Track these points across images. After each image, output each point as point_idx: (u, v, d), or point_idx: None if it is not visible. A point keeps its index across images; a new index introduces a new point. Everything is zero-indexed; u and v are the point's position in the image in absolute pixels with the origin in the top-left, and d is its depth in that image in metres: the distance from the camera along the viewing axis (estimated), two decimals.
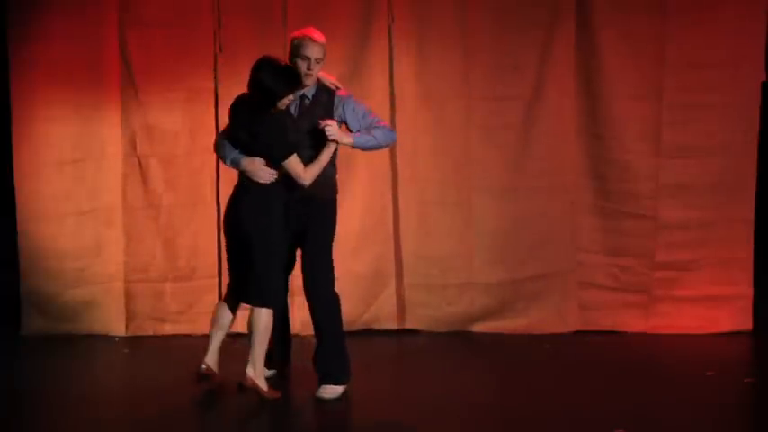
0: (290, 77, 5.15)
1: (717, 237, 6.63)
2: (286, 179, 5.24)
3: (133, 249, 6.86)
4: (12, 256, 6.96)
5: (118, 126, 6.82)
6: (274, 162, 5.20)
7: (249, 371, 5.27)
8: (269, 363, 5.79)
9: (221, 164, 5.91)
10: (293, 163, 5.18)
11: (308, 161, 5.24)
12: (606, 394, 5.40)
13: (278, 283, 5.32)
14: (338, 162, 5.51)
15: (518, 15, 6.62)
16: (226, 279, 6.77)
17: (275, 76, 5.11)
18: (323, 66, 5.35)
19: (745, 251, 6.63)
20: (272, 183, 5.21)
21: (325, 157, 5.25)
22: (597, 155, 6.70)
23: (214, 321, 5.52)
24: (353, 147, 5.36)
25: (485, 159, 6.73)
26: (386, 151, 6.74)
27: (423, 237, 6.81)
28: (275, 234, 5.25)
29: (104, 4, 6.73)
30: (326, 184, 5.39)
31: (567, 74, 6.61)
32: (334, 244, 5.47)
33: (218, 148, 5.44)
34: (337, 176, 5.53)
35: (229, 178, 5.84)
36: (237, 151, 5.27)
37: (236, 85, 6.49)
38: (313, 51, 5.24)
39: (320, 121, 5.24)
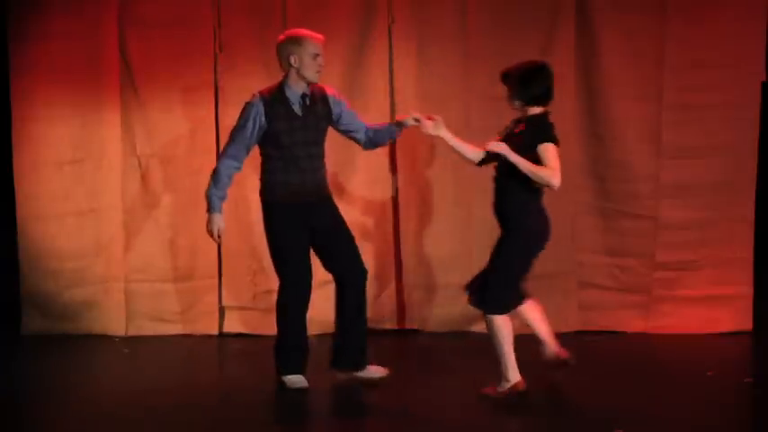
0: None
1: (717, 237, 6.63)
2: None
3: (133, 249, 6.86)
4: (12, 256, 6.96)
5: (118, 126, 6.82)
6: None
7: (503, 385, 5.20)
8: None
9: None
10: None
11: (313, 157, 5.34)
12: (606, 394, 5.39)
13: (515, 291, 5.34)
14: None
15: (518, 15, 6.61)
16: (226, 279, 6.82)
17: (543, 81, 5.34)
18: None
19: (745, 251, 6.63)
20: None
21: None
22: (597, 155, 6.69)
23: (531, 320, 5.53)
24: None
25: None
26: (386, 151, 6.76)
27: (423, 237, 6.81)
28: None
29: (104, 3, 6.74)
30: (326, 181, 5.54)
31: (567, 74, 6.60)
32: None
33: (219, 175, 5.36)
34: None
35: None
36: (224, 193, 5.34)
37: (237, 85, 6.52)
38: (322, 49, 5.35)
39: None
